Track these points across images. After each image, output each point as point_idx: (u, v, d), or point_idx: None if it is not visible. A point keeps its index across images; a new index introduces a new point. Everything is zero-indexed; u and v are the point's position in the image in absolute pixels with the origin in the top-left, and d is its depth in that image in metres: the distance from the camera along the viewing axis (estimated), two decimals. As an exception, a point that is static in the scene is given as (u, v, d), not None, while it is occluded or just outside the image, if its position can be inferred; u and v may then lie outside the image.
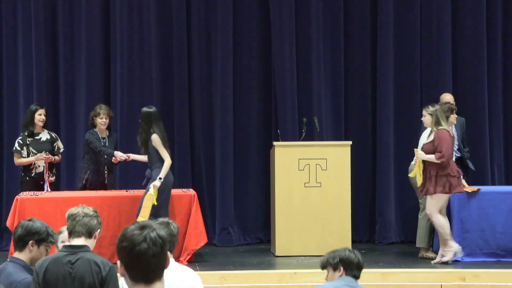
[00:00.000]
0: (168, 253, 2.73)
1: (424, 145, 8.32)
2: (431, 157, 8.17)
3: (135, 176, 10.03)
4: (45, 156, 8.74)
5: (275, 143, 9.03)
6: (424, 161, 8.24)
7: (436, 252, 8.62)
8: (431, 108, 8.30)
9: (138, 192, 8.70)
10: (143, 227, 2.67)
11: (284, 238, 8.86)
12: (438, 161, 8.12)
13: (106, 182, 9.00)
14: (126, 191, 8.96)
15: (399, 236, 10.12)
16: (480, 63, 10.21)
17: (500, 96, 10.33)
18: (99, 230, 4.54)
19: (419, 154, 8.25)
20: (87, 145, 8.93)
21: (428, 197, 8.25)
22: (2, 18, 10.07)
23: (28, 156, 8.80)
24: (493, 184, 10.07)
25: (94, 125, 8.98)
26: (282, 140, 9.28)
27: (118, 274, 4.25)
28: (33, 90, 9.96)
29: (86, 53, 10.06)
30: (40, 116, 8.89)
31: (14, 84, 10.07)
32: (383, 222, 10.04)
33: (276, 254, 8.87)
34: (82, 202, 8.20)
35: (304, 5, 10.20)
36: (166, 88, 10.20)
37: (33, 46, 9.97)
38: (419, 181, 8.28)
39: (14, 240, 4.69)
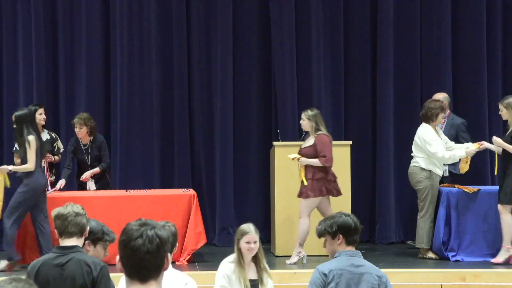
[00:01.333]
0: (168, 254, 2.74)
1: (302, 149, 8.37)
2: (314, 161, 8.19)
3: (135, 176, 10.06)
4: (46, 155, 8.76)
5: (275, 143, 9.04)
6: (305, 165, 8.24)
7: (436, 253, 8.63)
8: (309, 113, 8.34)
9: (138, 192, 8.71)
10: (144, 224, 2.70)
11: (284, 238, 8.86)
12: (323, 165, 8.15)
13: (88, 189, 9.00)
14: (126, 191, 8.98)
15: (399, 236, 10.13)
16: (480, 63, 10.22)
17: (500, 95, 10.32)
18: (88, 228, 4.54)
19: (301, 160, 8.25)
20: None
21: (303, 200, 8.26)
22: (2, 18, 10.08)
23: None
24: (493, 184, 10.06)
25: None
26: (282, 140, 9.28)
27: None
28: (33, 91, 9.97)
29: (86, 52, 10.07)
30: (40, 116, 8.91)
31: (14, 85, 10.07)
32: (383, 222, 10.05)
33: (276, 254, 8.87)
34: (82, 202, 8.20)
35: (304, 5, 10.21)
36: (166, 88, 10.21)
37: (33, 46, 9.98)
38: (304, 180, 8.27)
39: None
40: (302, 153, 8.33)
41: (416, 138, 8.72)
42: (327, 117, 10.11)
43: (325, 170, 8.24)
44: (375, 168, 10.23)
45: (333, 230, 4.58)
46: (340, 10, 10.26)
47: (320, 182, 8.23)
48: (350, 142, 9.10)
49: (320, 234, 4.67)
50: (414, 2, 10.28)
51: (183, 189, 8.97)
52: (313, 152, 8.24)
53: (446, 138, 8.88)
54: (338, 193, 8.36)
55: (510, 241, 8.25)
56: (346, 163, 8.89)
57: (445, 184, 8.88)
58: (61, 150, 9.13)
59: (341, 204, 8.72)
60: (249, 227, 5.52)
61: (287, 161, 8.77)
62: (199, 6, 10.24)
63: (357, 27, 10.35)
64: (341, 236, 4.56)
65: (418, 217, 8.74)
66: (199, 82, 10.26)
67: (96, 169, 8.99)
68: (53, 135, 9.13)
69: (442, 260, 8.56)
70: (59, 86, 10.12)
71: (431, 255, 8.67)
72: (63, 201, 8.11)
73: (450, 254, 8.57)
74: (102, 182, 9.15)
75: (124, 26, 10.12)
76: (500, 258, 8.24)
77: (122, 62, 10.10)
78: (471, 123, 9.97)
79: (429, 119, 8.68)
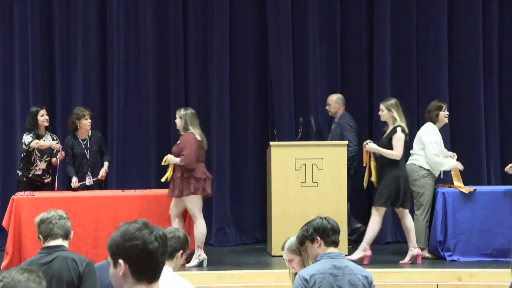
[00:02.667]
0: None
1: (173, 148, 8.41)
2: (177, 160, 8.19)
3: (131, 176, 10.09)
4: (60, 146, 8.82)
5: (271, 143, 9.06)
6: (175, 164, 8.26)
7: (432, 252, 8.67)
8: (182, 112, 8.36)
9: (135, 192, 8.73)
10: (146, 225, 2.75)
11: (281, 238, 8.72)
12: (184, 164, 8.15)
13: (90, 184, 9.03)
14: (123, 191, 8.99)
15: (395, 235, 10.16)
16: (476, 64, 10.27)
17: (496, 96, 10.39)
18: (72, 232, 4.63)
19: (169, 159, 8.25)
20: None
21: (186, 201, 8.22)
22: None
23: (31, 157, 8.81)
24: (489, 184, 10.11)
25: (75, 129, 9.00)
26: (279, 140, 9.31)
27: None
28: (29, 93, 9.99)
29: (82, 53, 10.09)
30: (43, 117, 8.91)
31: (10, 87, 10.08)
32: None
33: (273, 254, 8.90)
34: (78, 201, 8.31)
35: (301, 6, 10.24)
36: (163, 88, 10.24)
37: (29, 49, 10.00)
38: (168, 177, 8.29)
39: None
40: (172, 151, 8.34)
41: (421, 134, 8.77)
42: (323, 117, 10.14)
43: (193, 169, 8.17)
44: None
45: (309, 233, 4.56)
46: (336, 13, 10.30)
47: (187, 180, 8.18)
48: (347, 142, 9.12)
49: (300, 242, 4.66)
50: (410, 5, 10.30)
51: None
52: (179, 150, 8.25)
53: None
54: (204, 192, 8.26)
55: (368, 242, 8.34)
56: (343, 163, 8.91)
57: (442, 184, 8.91)
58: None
59: (338, 204, 8.78)
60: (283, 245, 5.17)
61: (284, 161, 8.81)
62: (195, 7, 10.26)
63: (354, 29, 10.39)
64: (318, 238, 4.53)
65: (414, 216, 8.78)
66: (195, 82, 10.30)
67: (107, 164, 9.07)
68: (55, 137, 9.14)
69: (438, 259, 8.58)
70: (55, 87, 10.14)
71: (427, 254, 8.70)
72: (60, 201, 8.23)
73: (446, 254, 8.60)
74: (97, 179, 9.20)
75: (121, 27, 10.15)
76: (355, 255, 8.29)
77: (118, 63, 10.13)
78: (467, 123, 10.04)
79: (430, 120, 8.76)
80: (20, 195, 8.46)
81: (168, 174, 8.31)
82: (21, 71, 10.04)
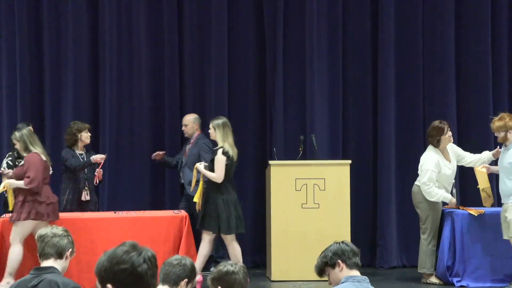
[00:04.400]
0: None
1: (15, 170, 8.30)
2: (20, 183, 8.01)
3: (124, 197, 10.06)
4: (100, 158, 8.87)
5: (270, 162, 9.04)
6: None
7: (440, 278, 8.65)
8: (17, 135, 8.21)
9: (127, 214, 8.71)
10: (135, 247, 2.77)
11: (280, 261, 8.86)
12: (27, 187, 7.97)
13: (86, 199, 9.03)
14: (115, 212, 8.96)
15: (401, 260, 10.14)
16: (485, 77, 10.28)
17: (507, 108, 10.39)
18: (70, 249, 4.59)
19: (10, 183, 8.08)
20: (63, 164, 9.00)
21: (15, 224, 8.04)
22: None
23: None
24: (499, 206, 10.09)
25: (74, 142, 9.02)
26: (278, 159, 9.29)
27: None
28: (16, 107, 9.98)
29: (73, 65, 10.07)
30: None
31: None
32: (385, 246, 10.07)
33: (272, 279, 8.87)
34: (68, 224, 8.26)
35: (301, 17, 10.25)
36: (157, 104, 10.22)
37: (17, 58, 10.01)
38: (10, 205, 8.10)
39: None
40: (15, 174, 8.19)
41: (420, 159, 8.81)
42: (324, 135, 10.13)
43: (37, 192, 8.00)
44: (376, 188, 10.25)
45: (329, 258, 4.47)
46: (338, 23, 10.31)
47: (30, 204, 8.01)
48: (349, 161, 9.10)
49: (319, 271, 4.54)
50: (416, 15, 10.34)
51: (175, 211, 8.97)
52: (23, 172, 8.05)
53: (462, 153, 8.92)
54: (50, 216, 8.07)
55: (200, 267, 8.37)
56: (346, 183, 8.90)
57: (449, 206, 8.91)
58: (50, 173, 9.14)
59: (340, 226, 8.75)
60: None
61: (284, 181, 8.80)
62: (192, 16, 10.28)
63: (357, 41, 10.39)
64: (340, 262, 4.45)
65: (421, 239, 8.77)
66: (191, 98, 10.28)
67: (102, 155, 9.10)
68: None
69: (447, 285, 8.56)
70: (44, 101, 10.12)
71: (434, 280, 8.68)
72: (50, 223, 8.17)
73: (455, 280, 8.57)
74: (93, 199, 9.21)
75: (113, 40, 10.15)
76: None
77: (111, 77, 10.12)
78: (476, 141, 10.01)
79: (432, 143, 8.78)
80: (7, 217, 8.41)
81: (10, 201, 8.05)
82: (8, 88, 10.02)
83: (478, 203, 9.14)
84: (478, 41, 10.33)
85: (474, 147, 9.81)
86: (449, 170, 8.71)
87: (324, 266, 4.51)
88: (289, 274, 8.71)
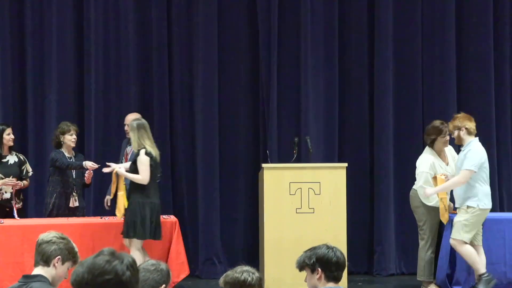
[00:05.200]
0: None
1: None
2: None
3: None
4: (14, 182, 8.70)
5: (264, 165, 9.01)
6: None
7: (439, 286, 8.61)
8: None
9: (114, 219, 8.66)
10: (114, 255, 2.73)
11: (274, 269, 8.83)
12: None
13: (74, 206, 8.95)
14: (101, 217, 8.94)
15: (399, 267, 10.11)
16: (487, 81, 10.25)
17: (509, 114, 10.37)
18: (59, 256, 4.53)
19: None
20: (52, 165, 8.91)
21: None
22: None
23: None
24: (502, 210, 10.08)
25: (59, 145, 8.95)
26: (272, 162, 9.28)
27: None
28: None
29: (57, 65, 10.04)
30: (9, 136, 8.86)
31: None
32: (382, 252, 10.03)
33: (266, 287, 8.83)
34: (51, 229, 8.19)
35: (296, 15, 10.22)
36: (144, 105, 10.18)
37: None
38: None
39: None
40: None
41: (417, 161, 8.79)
42: (319, 136, 10.09)
43: None
44: (373, 193, 10.22)
45: (311, 262, 4.45)
46: (334, 21, 10.27)
47: None
48: (346, 164, 9.03)
49: (299, 267, 4.52)
50: (415, 15, 10.30)
51: (163, 216, 8.89)
52: None
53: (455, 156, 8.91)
54: None
55: None
56: (342, 187, 8.86)
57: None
58: (30, 174, 9.07)
59: (336, 232, 8.72)
60: None
61: (277, 185, 8.76)
62: (181, 14, 10.24)
63: (353, 40, 10.36)
64: (319, 270, 4.43)
65: (420, 246, 8.73)
66: (180, 98, 10.24)
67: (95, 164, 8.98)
68: (21, 158, 9.06)
69: (447, 293, 8.55)
70: (27, 102, 10.08)
71: (434, 288, 8.66)
72: (30, 229, 8.14)
73: (455, 288, 8.57)
74: (81, 204, 9.16)
75: (99, 36, 10.10)
76: None
77: (96, 79, 10.07)
78: (478, 131, 9.96)
79: (431, 144, 8.76)
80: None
81: None
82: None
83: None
84: (480, 40, 10.30)
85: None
86: (446, 173, 8.67)
87: (304, 265, 4.48)
88: (283, 282, 8.67)
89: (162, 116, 10.12)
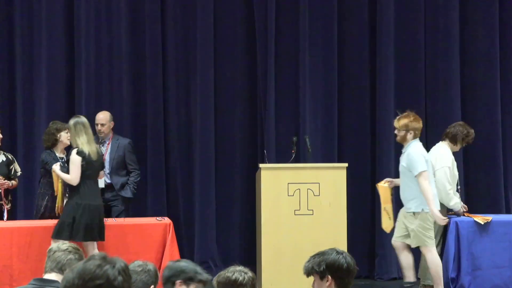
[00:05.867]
0: None
1: None
2: None
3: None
4: (1, 181, 8.67)
5: (261, 165, 9.00)
6: None
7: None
8: None
9: (106, 221, 8.64)
10: (105, 259, 2.72)
11: (272, 272, 8.81)
12: None
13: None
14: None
15: (401, 271, 10.06)
16: (493, 82, 10.25)
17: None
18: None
19: None
20: (43, 167, 8.87)
21: None
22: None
23: None
24: (508, 212, 10.06)
25: (53, 145, 8.90)
26: (269, 162, 9.28)
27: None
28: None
29: (47, 63, 10.02)
30: None
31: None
32: (384, 255, 10.01)
33: (263, 291, 8.83)
34: (41, 232, 8.20)
35: (293, 11, 10.21)
36: (138, 104, 10.21)
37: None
38: None
39: (162, 282, 4.75)
40: None
41: (431, 157, 8.72)
42: (318, 136, 10.08)
43: None
44: (375, 193, 10.18)
45: (321, 269, 4.38)
46: (333, 16, 10.26)
47: None
48: (346, 165, 9.00)
49: (307, 273, 4.45)
50: (417, 6, 10.27)
51: (157, 218, 8.93)
52: None
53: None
54: None
55: None
56: (342, 188, 8.83)
57: (453, 213, 8.84)
58: (18, 174, 9.04)
59: (336, 235, 8.69)
60: None
61: (275, 186, 8.75)
62: (175, 10, 10.22)
63: (353, 35, 10.36)
64: (329, 277, 4.36)
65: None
66: (175, 97, 10.23)
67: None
68: (10, 157, 9.03)
69: (451, 298, 8.54)
70: (16, 99, 10.06)
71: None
72: (19, 232, 8.11)
73: (459, 292, 8.56)
74: None
75: (91, 38, 10.07)
76: None
77: (88, 78, 10.07)
78: (483, 144, 9.95)
79: (454, 141, 8.78)
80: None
81: None
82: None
83: (484, 210, 9.09)
84: (485, 34, 10.28)
85: (480, 151, 9.77)
86: (457, 173, 8.69)
87: (313, 272, 4.43)
88: (281, 286, 8.65)
89: (156, 116, 10.10)
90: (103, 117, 9.49)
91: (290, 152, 9.35)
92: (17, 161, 9.19)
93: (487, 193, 9.79)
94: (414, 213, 8.26)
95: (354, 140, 10.36)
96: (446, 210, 8.72)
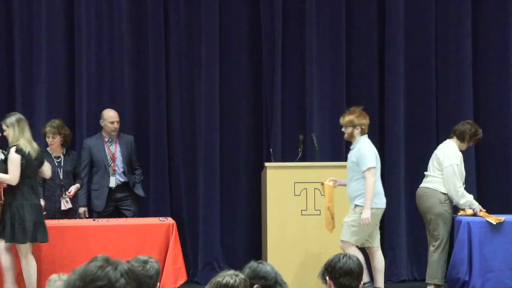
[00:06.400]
0: None
1: None
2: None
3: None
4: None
5: (267, 164, 9.03)
6: None
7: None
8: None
9: (108, 222, 8.65)
10: (108, 261, 2.73)
11: (279, 272, 8.78)
12: None
13: (67, 208, 8.96)
14: (94, 219, 8.94)
15: (411, 273, 10.09)
16: (506, 71, 10.21)
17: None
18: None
19: None
20: None
21: None
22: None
23: None
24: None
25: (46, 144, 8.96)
26: (275, 161, 9.29)
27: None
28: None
29: (47, 58, 10.01)
30: None
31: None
32: (393, 257, 9.99)
33: (268, 294, 8.80)
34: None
35: (300, 5, 10.18)
36: (140, 101, 10.18)
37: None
38: None
39: None
40: None
41: (439, 154, 8.74)
42: (326, 133, 10.06)
43: None
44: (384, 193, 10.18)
45: (321, 273, 4.44)
46: (341, 10, 10.23)
47: None
48: (354, 164, 9.05)
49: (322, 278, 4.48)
50: (428, 8, 10.23)
51: (160, 218, 8.95)
52: None
53: None
54: None
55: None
56: (349, 187, 8.85)
57: (470, 213, 8.81)
58: None
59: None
60: None
61: (281, 185, 8.76)
62: (179, 6, 10.20)
63: (362, 29, 10.32)
64: (328, 278, 4.41)
65: (432, 248, 8.72)
66: (179, 95, 10.21)
67: (78, 185, 9.05)
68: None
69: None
70: (15, 95, 10.05)
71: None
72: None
73: (471, 295, 8.54)
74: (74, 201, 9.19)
75: (91, 27, 10.06)
76: None
77: (89, 74, 10.04)
78: (495, 141, 9.93)
79: (462, 138, 8.82)
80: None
81: None
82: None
83: (497, 210, 9.07)
84: (499, 27, 10.24)
85: (493, 149, 9.74)
86: (464, 171, 8.70)
87: (321, 280, 4.47)
88: (289, 285, 8.62)
89: (159, 113, 10.08)
90: (115, 114, 9.57)
91: (297, 150, 9.35)
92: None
93: (500, 192, 9.75)
94: (355, 205, 8.30)
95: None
96: (452, 208, 8.74)
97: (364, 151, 8.26)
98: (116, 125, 9.47)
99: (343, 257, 4.44)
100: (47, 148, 9.00)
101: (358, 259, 4.46)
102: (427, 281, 8.78)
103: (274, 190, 8.86)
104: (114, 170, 9.42)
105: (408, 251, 10.05)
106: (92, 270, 2.69)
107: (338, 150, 10.10)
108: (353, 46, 10.32)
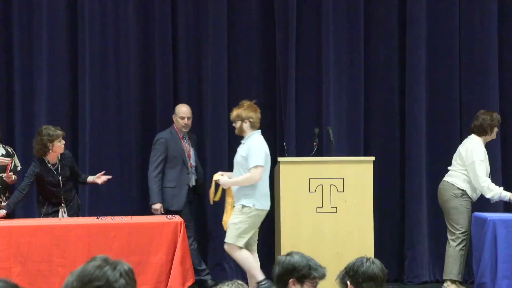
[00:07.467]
0: None
1: None
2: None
3: (108, 200, 9.99)
4: (5, 160, 8.71)
5: (280, 159, 9.03)
6: None
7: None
8: None
9: (112, 220, 8.65)
10: (107, 261, 2.83)
11: (292, 275, 8.79)
12: None
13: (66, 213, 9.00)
14: (97, 218, 8.93)
15: (433, 274, 10.06)
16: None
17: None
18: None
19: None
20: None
21: None
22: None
23: None
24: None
25: (45, 153, 8.86)
26: (289, 156, 9.30)
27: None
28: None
29: (48, 55, 10.03)
30: None
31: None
32: (414, 257, 9.99)
33: (282, 295, 8.80)
34: (42, 231, 8.19)
35: (316, 4, 10.17)
36: (146, 97, 10.19)
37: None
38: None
39: (274, 280, 4.77)
40: None
41: (462, 149, 8.79)
42: (343, 127, 10.05)
43: None
44: (404, 190, 10.17)
45: (341, 276, 4.49)
46: (360, 2, 10.20)
47: None
48: (373, 158, 9.08)
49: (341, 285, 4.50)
50: (452, 11, 10.23)
51: (167, 216, 8.91)
52: None
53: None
54: None
55: None
56: (368, 184, 8.87)
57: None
58: (18, 168, 9.07)
59: (362, 234, 8.72)
60: None
61: (295, 181, 8.75)
62: (186, 14, 10.21)
63: (381, 16, 10.32)
64: (349, 283, 4.44)
65: (450, 243, 8.89)
66: (186, 87, 10.22)
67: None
68: (10, 150, 9.07)
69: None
70: (14, 91, 10.06)
71: (456, 288, 8.66)
72: (18, 231, 8.13)
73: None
74: (74, 205, 9.15)
75: (95, 24, 10.08)
76: None
77: (92, 69, 10.04)
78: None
79: (484, 131, 8.92)
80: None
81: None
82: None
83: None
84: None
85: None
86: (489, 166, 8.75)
87: (341, 284, 4.52)
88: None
89: (166, 107, 10.08)
90: (188, 109, 9.64)
91: (312, 144, 9.34)
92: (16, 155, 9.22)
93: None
94: (243, 206, 8.45)
95: (381, 132, 10.33)
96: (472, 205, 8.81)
97: (255, 148, 8.47)
98: (186, 121, 9.54)
99: (366, 261, 4.48)
100: (44, 157, 8.89)
101: (381, 264, 4.50)
102: (444, 277, 8.91)
103: (287, 187, 8.87)
104: (192, 167, 9.52)
105: (429, 250, 10.05)
106: (90, 270, 2.72)
107: (356, 144, 10.12)
108: (372, 33, 10.31)
